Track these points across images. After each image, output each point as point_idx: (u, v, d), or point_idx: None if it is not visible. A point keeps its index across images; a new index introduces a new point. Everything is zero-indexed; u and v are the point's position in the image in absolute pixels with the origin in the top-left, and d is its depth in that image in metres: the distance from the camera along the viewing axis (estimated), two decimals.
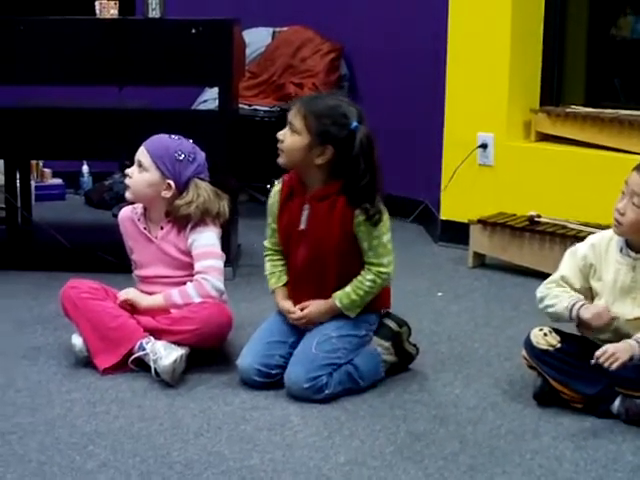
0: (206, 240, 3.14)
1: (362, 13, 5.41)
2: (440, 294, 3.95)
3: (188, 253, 3.17)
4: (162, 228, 3.21)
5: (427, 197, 4.95)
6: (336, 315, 2.95)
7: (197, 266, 3.13)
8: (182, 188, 3.16)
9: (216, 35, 4.01)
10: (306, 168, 2.88)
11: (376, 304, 3.00)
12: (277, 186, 3.01)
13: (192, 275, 3.14)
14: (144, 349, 2.99)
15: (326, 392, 2.84)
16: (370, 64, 5.41)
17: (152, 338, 3.02)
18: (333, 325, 2.93)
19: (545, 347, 2.80)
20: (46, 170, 5.82)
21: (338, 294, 2.92)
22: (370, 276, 2.90)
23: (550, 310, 2.82)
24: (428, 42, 4.95)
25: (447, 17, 4.62)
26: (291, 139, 2.85)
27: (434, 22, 4.79)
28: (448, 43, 4.64)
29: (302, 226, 2.93)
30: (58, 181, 5.86)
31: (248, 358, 2.95)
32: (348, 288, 2.92)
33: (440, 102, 4.71)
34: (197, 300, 3.08)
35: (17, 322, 3.53)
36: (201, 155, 3.20)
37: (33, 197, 5.11)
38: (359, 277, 2.91)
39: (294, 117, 2.85)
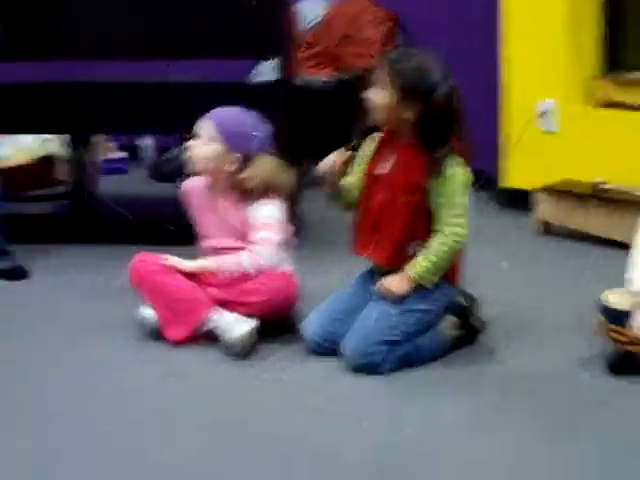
0: (266, 213, 3.14)
1: None
2: (505, 264, 3.92)
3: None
4: (226, 200, 3.22)
5: (489, 166, 4.90)
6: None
7: (252, 237, 3.13)
8: (246, 161, 3.17)
9: (273, 6, 4.00)
10: (396, 123, 2.93)
11: (442, 278, 2.94)
12: (376, 136, 3.06)
13: None
14: (214, 321, 3.01)
15: (383, 369, 2.83)
16: (426, 32, 5.32)
17: (221, 310, 3.04)
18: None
19: (627, 308, 2.73)
20: (110, 144, 5.86)
21: (410, 263, 2.90)
22: (442, 239, 2.87)
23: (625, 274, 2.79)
24: (485, 9, 4.88)
25: None
26: (378, 96, 2.91)
27: None
28: (504, 9, 4.57)
29: (385, 171, 2.97)
30: (122, 155, 5.90)
31: (310, 329, 2.98)
32: (419, 257, 2.89)
33: (498, 69, 4.66)
34: (250, 270, 3.08)
35: (83, 295, 3.56)
36: (266, 128, 3.20)
37: (98, 171, 5.16)
38: (431, 242, 2.88)
39: (380, 74, 2.92)
